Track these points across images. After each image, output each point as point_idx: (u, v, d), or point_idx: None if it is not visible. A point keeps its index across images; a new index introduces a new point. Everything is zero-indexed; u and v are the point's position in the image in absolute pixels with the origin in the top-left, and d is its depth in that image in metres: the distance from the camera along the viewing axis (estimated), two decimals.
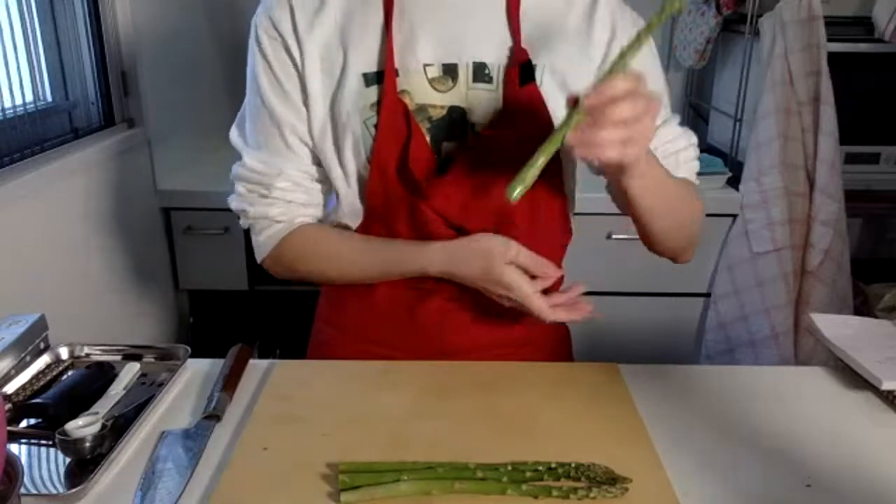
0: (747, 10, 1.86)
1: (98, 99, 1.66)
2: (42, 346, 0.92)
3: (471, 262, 0.87)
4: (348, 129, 0.87)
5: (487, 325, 0.96)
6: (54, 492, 0.70)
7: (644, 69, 0.87)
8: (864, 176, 1.92)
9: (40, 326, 0.92)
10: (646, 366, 0.92)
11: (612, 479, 0.68)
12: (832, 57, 1.75)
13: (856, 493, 0.70)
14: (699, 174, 1.00)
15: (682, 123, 0.98)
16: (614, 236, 1.83)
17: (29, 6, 1.43)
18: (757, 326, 1.87)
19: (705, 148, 2.15)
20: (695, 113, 2.32)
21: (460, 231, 0.90)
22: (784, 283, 1.83)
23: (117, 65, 1.69)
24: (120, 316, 1.66)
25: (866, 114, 1.91)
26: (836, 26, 1.77)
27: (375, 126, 0.86)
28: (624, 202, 0.87)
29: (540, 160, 0.73)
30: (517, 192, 0.73)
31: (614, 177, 0.81)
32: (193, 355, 0.93)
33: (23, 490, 0.66)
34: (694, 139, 0.98)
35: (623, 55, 0.73)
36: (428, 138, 0.87)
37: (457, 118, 0.87)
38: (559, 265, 1.01)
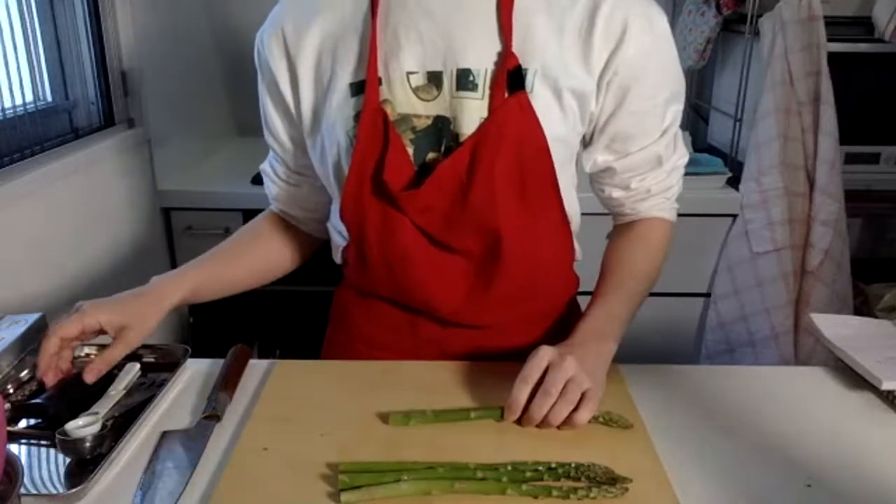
0: (747, 10, 1.86)
1: (98, 99, 1.66)
2: None
3: None
4: (335, 140, 0.86)
5: (489, 336, 0.95)
6: (54, 492, 0.70)
7: (661, 72, 0.87)
8: (864, 176, 1.92)
9: (40, 326, 0.92)
10: (646, 366, 0.92)
11: (612, 479, 0.68)
12: (832, 57, 1.75)
13: (856, 494, 0.70)
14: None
15: (683, 127, 0.96)
16: None
17: (29, 6, 1.43)
18: (757, 326, 1.87)
19: (705, 148, 2.15)
20: (695, 113, 2.32)
21: (444, 247, 0.88)
22: (784, 283, 1.83)
23: (117, 65, 1.69)
24: None
25: (866, 114, 1.91)
26: (836, 26, 1.77)
27: (356, 137, 0.84)
28: None
29: None
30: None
31: None
32: (193, 355, 0.93)
33: (23, 490, 0.66)
34: (684, 159, 0.95)
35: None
36: (411, 150, 0.84)
37: (442, 128, 0.84)
38: (569, 273, 1.00)
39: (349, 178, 0.85)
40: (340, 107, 0.85)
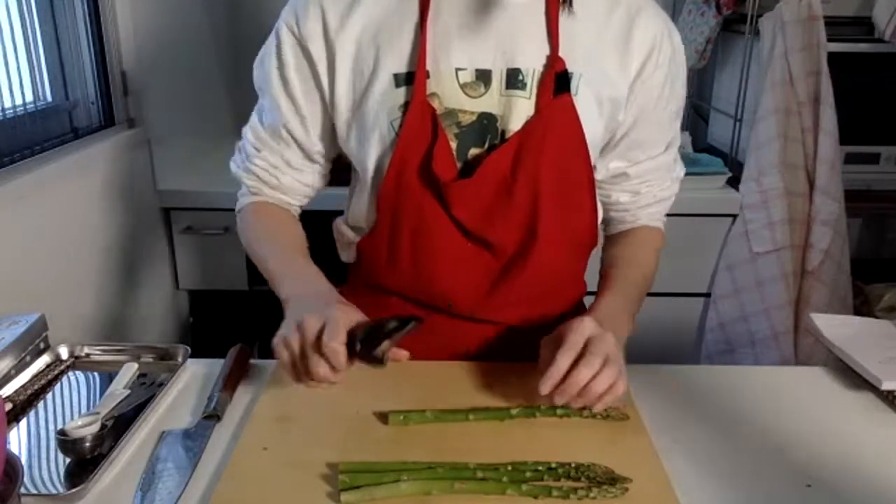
0: (747, 10, 1.86)
1: (98, 99, 1.65)
2: (42, 346, 0.92)
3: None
4: (375, 129, 0.87)
5: (498, 335, 0.95)
6: (54, 492, 0.70)
7: (666, 89, 0.90)
8: (864, 176, 1.92)
9: (40, 326, 0.92)
10: (646, 366, 0.92)
11: (612, 479, 0.68)
12: (832, 57, 1.75)
13: (856, 493, 0.70)
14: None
15: (683, 128, 0.99)
16: None
17: (29, 6, 1.42)
18: (757, 326, 1.87)
19: (705, 148, 2.15)
20: (695, 113, 2.32)
21: (478, 241, 0.89)
22: (784, 283, 1.83)
23: (117, 65, 1.68)
24: (120, 316, 1.66)
25: (866, 114, 1.91)
26: (836, 26, 1.77)
27: (401, 127, 0.85)
28: None
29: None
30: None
31: None
32: (193, 355, 0.93)
33: (23, 490, 0.66)
34: (683, 172, 0.99)
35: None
36: (454, 144, 0.86)
37: (487, 125, 0.86)
38: (582, 276, 1.02)
39: (391, 166, 0.86)
40: (384, 96, 0.85)
